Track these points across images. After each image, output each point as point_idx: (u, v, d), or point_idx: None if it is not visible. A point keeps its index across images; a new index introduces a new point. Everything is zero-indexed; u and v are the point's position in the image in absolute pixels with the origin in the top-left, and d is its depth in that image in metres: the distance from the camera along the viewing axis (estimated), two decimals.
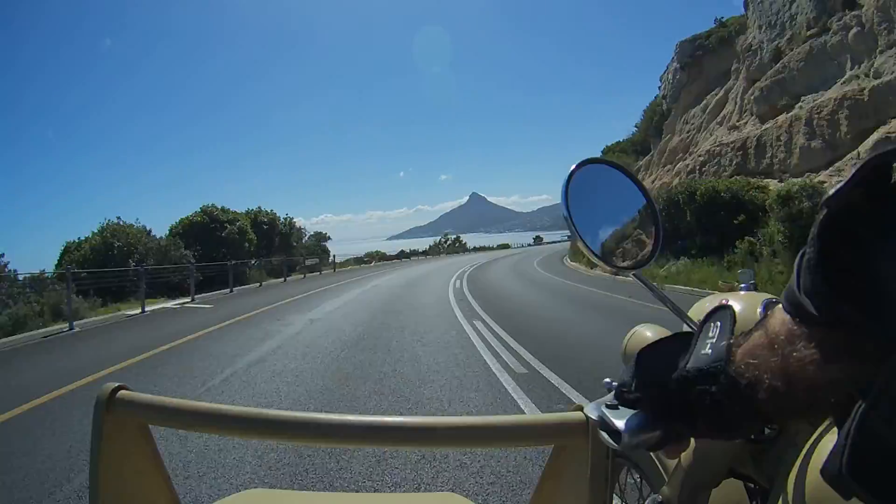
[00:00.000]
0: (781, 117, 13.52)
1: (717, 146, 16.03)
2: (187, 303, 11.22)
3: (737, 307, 0.46)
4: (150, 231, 17.09)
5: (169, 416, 0.68)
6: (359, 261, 29.89)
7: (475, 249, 57.36)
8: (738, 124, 16.18)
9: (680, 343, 0.37)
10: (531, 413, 3.01)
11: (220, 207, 19.91)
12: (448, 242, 53.39)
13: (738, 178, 13.50)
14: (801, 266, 0.27)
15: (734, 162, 14.88)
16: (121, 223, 16.26)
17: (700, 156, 16.95)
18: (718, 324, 0.34)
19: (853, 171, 0.24)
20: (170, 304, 11.01)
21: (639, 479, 0.93)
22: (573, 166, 0.63)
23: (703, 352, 0.33)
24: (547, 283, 13.88)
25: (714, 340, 0.33)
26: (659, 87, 23.38)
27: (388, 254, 33.36)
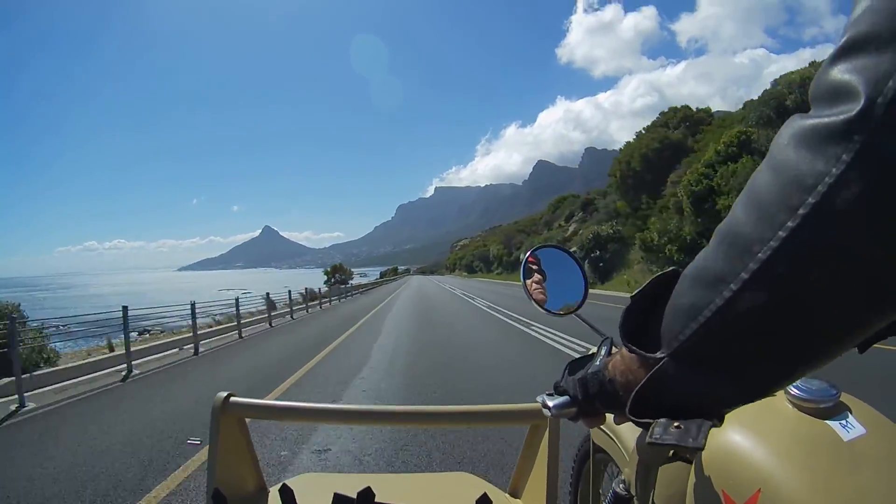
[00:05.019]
0: None
1: None
2: None
3: None
4: None
5: (260, 412, 0.98)
6: None
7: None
8: None
9: (589, 358, 0.58)
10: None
11: None
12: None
13: None
14: (619, 323, 0.47)
15: None
16: None
17: None
18: (605, 348, 0.57)
19: (646, 282, 0.45)
20: None
21: (615, 472, 1.11)
22: (527, 252, 0.90)
23: (595, 363, 0.53)
24: None
25: (601, 357, 0.54)
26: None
27: None
